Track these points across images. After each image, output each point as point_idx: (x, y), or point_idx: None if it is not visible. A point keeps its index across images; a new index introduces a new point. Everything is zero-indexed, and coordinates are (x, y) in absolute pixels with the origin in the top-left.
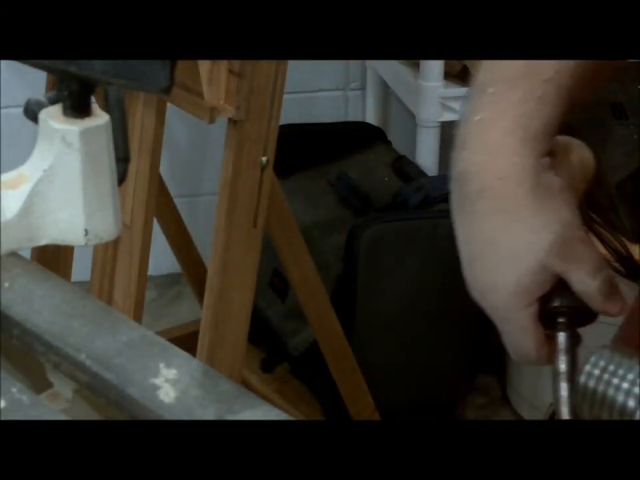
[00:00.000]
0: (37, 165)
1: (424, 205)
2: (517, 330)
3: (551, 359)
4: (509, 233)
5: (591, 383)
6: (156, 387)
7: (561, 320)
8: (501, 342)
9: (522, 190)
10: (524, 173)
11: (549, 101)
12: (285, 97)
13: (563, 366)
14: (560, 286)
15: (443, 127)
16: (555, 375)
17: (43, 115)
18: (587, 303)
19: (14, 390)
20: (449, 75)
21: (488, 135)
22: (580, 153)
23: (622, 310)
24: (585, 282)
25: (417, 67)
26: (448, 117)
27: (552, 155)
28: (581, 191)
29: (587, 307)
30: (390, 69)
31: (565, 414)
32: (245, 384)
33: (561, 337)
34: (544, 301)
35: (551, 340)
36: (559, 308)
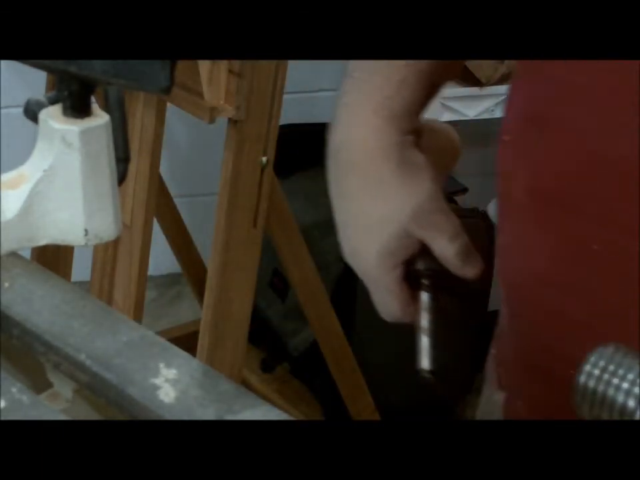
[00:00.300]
0: (37, 165)
1: None
2: (384, 291)
3: (415, 316)
4: (376, 202)
5: (591, 383)
6: (156, 387)
7: (424, 281)
8: None
9: (387, 164)
10: (389, 149)
11: (409, 84)
12: (285, 97)
13: (425, 322)
14: (423, 251)
15: None
16: (418, 330)
17: (43, 115)
18: (446, 266)
19: (14, 390)
20: None
21: (356, 115)
22: (446, 133)
23: (478, 273)
24: (444, 247)
25: None
26: (448, 116)
27: (420, 135)
28: (447, 167)
29: (447, 270)
30: None
31: (425, 365)
32: (245, 384)
33: (424, 296)
34: (409, 264)
35: (415, 299)
36: (421, 270)
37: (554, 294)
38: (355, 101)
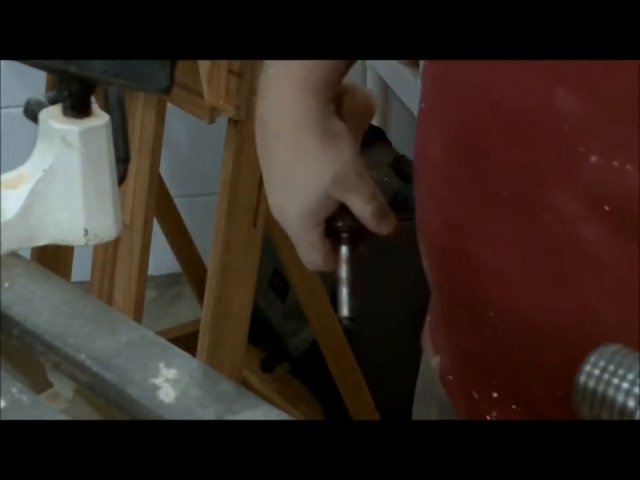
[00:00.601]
0: (37, 165)
1: None
2: (307, 245)
3: (335, 267)
4: (299, 168)
5: (591, 383)
6: (156, 387)
7: (344, 236)
8: None
9: (310, 132)
10: (311, 118)
11: None
12: None
13: (343, 274)
14: (343, 209)
15: None
16: (338, 281)
17: (43, 115)
18: (363, 224)
19: (14, 390)
20: None
21: (280, 87)
22: (364, 96)
23: (392, 231)
24: (361, 207)
25: (416, 67)
26: None
27: (340, 100)
28: (364, 127)
29: (364, 226)
30: (390, 69)
31: (344, 312)
32: (245, 384)
33: (343, 249)
34: (329, 221)
35: (335, 251)
36: (341, 227)
37: (467, 241)
38: (279, 72)
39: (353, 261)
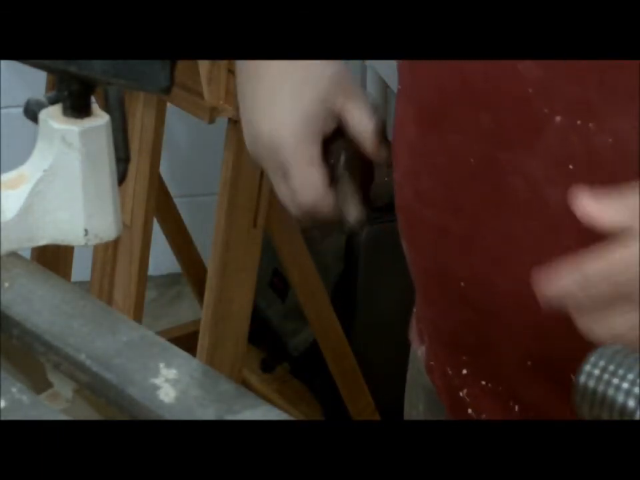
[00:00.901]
0: (37, 165)
1: None
2: (305, 164)
3: (333, 210)
4: (293, 73)
5: (591, 383)
6: (156, 387)
7: (342, 158)
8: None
9: None
10: None
11: None
12: None
13: (345, 182)
14: (340, 131)
15: None
16: (340, 194)
17: (43, 115)
18: (362, 145)
19: (14, 390)
20: None
21: None
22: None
23: (389, 159)
24: (362, 121)
25: None
26: None
27: None
28: None
29: (362, 153)
30: (390, 69)
31: (353, 214)
32: (245, 384)
33: (342, 159)
34: (326, 145)
35: (334, 190)
36: (339, 146)
37: (439, 213)
38: None
39: (354, 179)
